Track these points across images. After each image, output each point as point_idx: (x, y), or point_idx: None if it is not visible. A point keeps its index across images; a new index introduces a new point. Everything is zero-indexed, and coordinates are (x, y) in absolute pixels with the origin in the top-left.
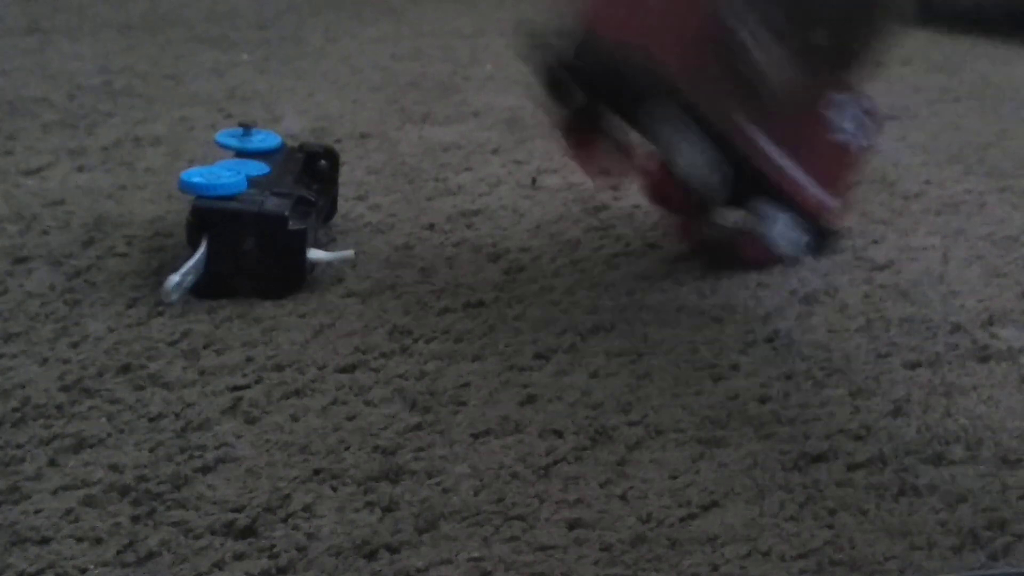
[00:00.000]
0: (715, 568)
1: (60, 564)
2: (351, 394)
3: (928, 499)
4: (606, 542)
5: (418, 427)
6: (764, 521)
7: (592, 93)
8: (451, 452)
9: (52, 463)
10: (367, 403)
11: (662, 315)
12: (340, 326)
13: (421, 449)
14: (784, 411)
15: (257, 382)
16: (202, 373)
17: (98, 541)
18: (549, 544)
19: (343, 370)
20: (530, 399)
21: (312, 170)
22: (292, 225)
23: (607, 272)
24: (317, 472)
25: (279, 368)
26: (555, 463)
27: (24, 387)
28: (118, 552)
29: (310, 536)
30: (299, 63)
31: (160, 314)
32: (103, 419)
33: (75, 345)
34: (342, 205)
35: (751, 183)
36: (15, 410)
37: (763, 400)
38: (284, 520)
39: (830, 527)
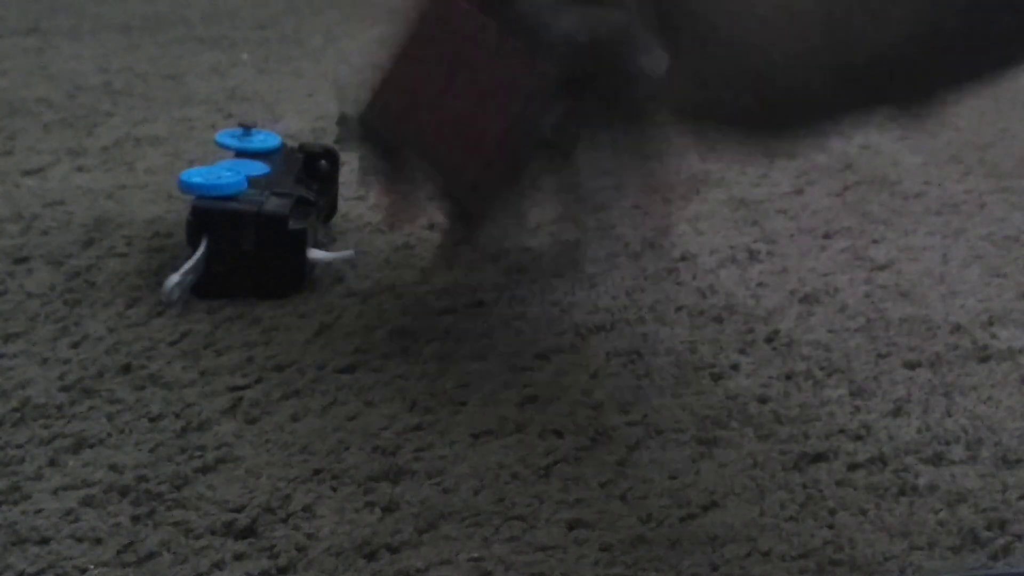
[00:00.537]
0: (715, 568)
1: (60, 564)
2: (351, 394)
3: (928, 499)
4: (606, 542)
5: (418, 427)
6: (764, 521)
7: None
8: (451, 452)
9: (52, 463)
10: (367, 403)
11: (662, 315)
12: (340, 326)
13: (421, 449)
14: (784, 411)
15: (257, 382)
16: (202, 373)
17: (98, 541)
18: (549, 544)
19: (343, 370)
20: (530, 399)
21: (312, 170)
22: (292, 225)
23: (607, 272)
24: (317, 472)
25: (279, 368)
26: (555, 463)
27: (24, 387)
28: (118, 552)
29: (310, 536)
30: (299, 63)
31: (160, 314)
32: (103, 419)
33: (75, 345)
34: (342, 205)
35: None
36: (15, 410)
37: (763, 400)
38: (284, 520)
39: (830, 527)
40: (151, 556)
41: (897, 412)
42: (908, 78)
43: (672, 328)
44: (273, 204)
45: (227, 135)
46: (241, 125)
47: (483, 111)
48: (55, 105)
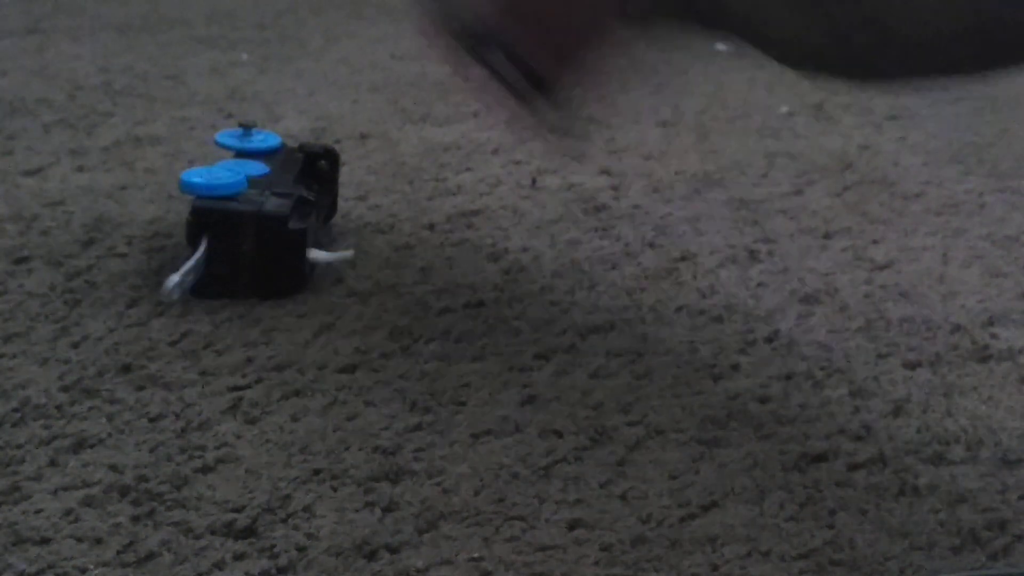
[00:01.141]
0: (715, 568)
1: (60, 564)
2: (351, 394)
3: (928, 499)
4: (606, 542)
5: (418, 427)
6: (764, 521)
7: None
8: (451, 452)
9: (52, 463)
10: (367, 403)
11: (662, 315)
12: (340, 326)
13: (421, 449)
14: (784, 411)
15: (257, 382)
16: (202, 373)
17: (98, 541)
18: (549, 544)
19: (343, 370)
20: (530, 399)
21: (312, 170)
22: (292, 225)
23: (607, 272)
24: (317, 472)
25: (279, 368)
26: (555, 463)
27: (24, 387)
28: (118, 552)
29: (310, 536)
30: (299, 63)
31: (160, 314)
32: (103, 419)
33: (75, 345)
34: (342, 205)
35: None
36: (15, 410)
37: (763, 400)
38: (284, 520)
39: (830, 527)
40: (151, 556)
41: (897, 412)
42: None
43: (672, 328)
44: (273, 204)
45: (227, 135)
46: (241, 125)
47: None
48: (55, 105)
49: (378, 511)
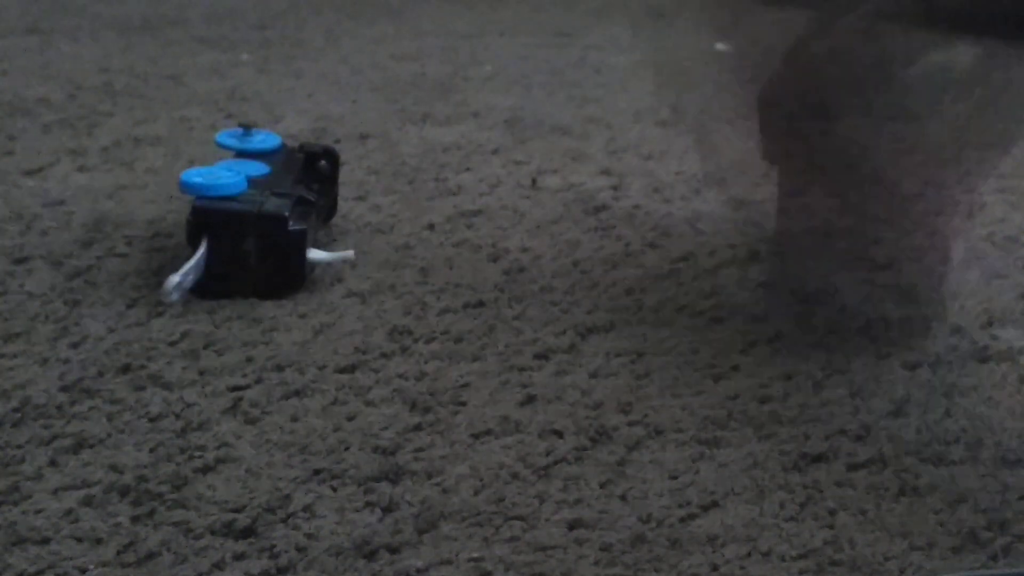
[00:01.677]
0: (715, 568)
1: (60, 564)
2: (351, 394)
3: (928, 499)
4: (606, 542)
5: (418, 427)
6: (764, 521)
7: None
8: (451, 452)
9: (52, 463)
10: (367, 403)
11: (662, 315)
12: (340, 326)
13: (421, 449)
14: (784, 411)
15: (257, 382)
16: (202, 373)
17: (98, 541)
18: (549, 544)
19: (343, 370)
20: (530, 399)
21: (312, 170)
22: (292, 225)
23: (607, 272)
24: (317, 472)
25: (279, 368)
26: (555, 463)
27: (24, 387)
28: (118, 552)
29: (310, 536)
30: (299, 63)
31: (160, 314)
32: (103, 419)
33: (75, 345)
34: (342, 205)
35: None
36: (15, 410)
37: (763, 400)
38: (284, 520)
39: (830, 527)
40: (151, 556)
41: (897, 412)
42: None
43: (672, 328)
44: (273, 204)
45: (227, 135)
46: (241, 125)
47: None
48: (55, 105)
49: (378, 511)
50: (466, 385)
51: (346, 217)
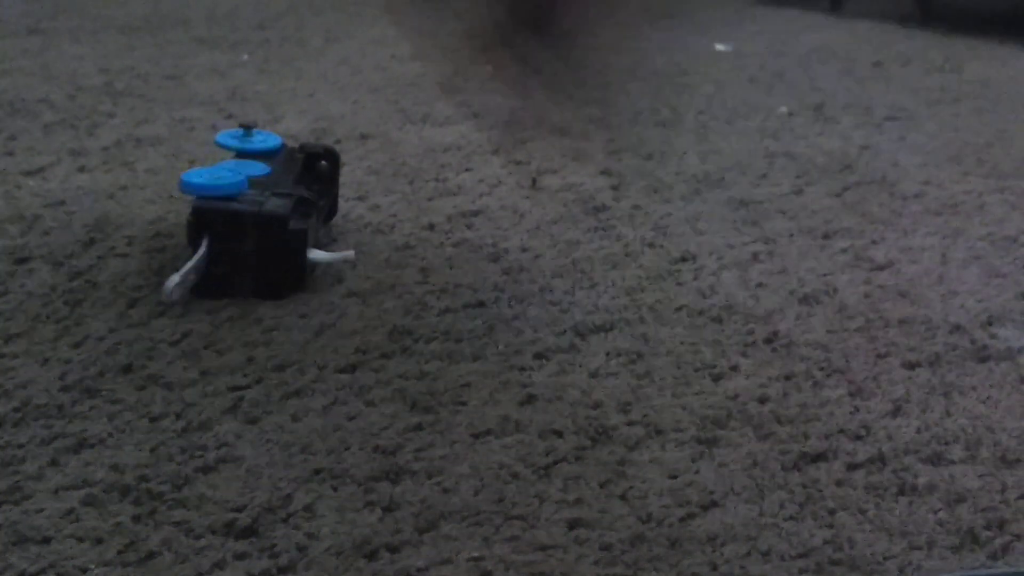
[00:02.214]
0: (715, 567)
1: (61, 564)
2: (351, 394)
3: (927, 499)
4: (606, 542)
5: (418, 427)
6: (764, 521)
7: None
8: (451, 452)
9: (53, 463)
10: (367, 403)
11: (662, 315)
12: (340, 326)
13: (421, 449)
14: (784, 411)
15: (257, 382)
16: (203, 373)
17: (99, 541)
18: (549, 544)
19: (343, 370)
20: (530, 399)
21: (312, 170)
22: (292, 225)
23: (607, 272)
24: (317, 472)
25: (279, 368)
26: (555, 463)
27: (25, 387)
28: (119, 552)
29: (310, 536)
30: (299, 63)
31: (161, 314)
32: (104, 419)
33: (76, 345)
34: (342, 205)
35: None
36: (16, 410)
37: (763, 400)
38: (285, 520)
39: (830, 527)
40: (152, 556)
41: (897, 412)
42: None
43: (672, 328)
44: (273, 204)
45: (227, 136)
46: (241, 126)
47: None
48: (56, 105)
49: (378, 511)
50: (466, 385)
51: (346, 217)
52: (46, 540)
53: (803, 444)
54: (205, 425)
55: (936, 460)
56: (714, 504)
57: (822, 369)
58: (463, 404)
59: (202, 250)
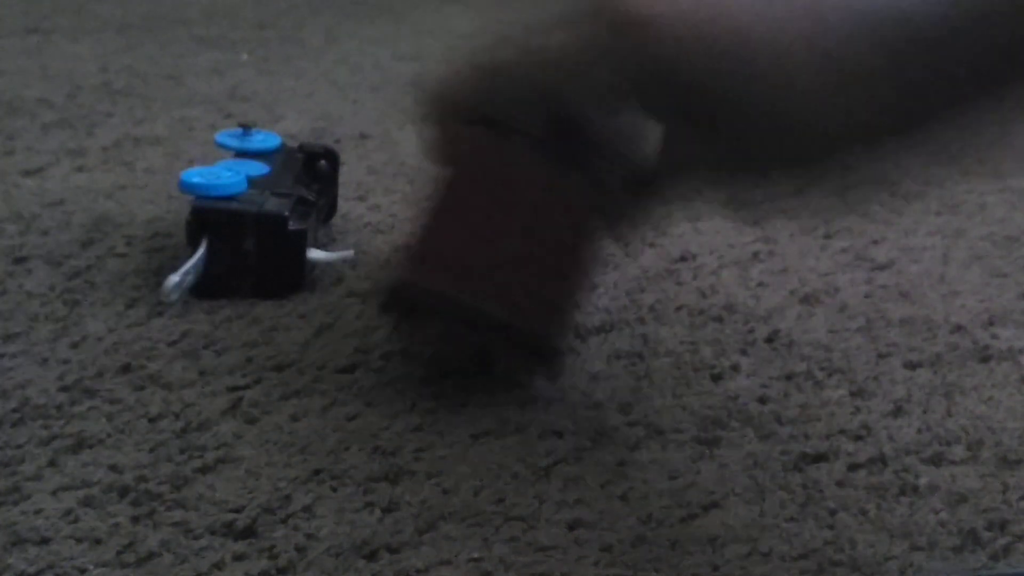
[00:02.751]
0: (715, 568)
1: (60, 564)
2: (351, 394)
3: (928, 499)
4: (606, 542)
5: (418, 427)
6: (764, 521)
7: None
8: (451, 452)
9: (52, 463)
10: (367, 403)
11: (662, 315)
12: (340, 326)
13: (421, 449)
14: (784, 411)
15: (257, 382)
16: (202, 373)
17: (98, 541)
18: (549, 544)
19: (343, 370)
20: (530, 399)
21: (312, 170)
22: (292, 225)
23: (607, 272)
24: (317, 472)
25: (279, 368)
26: (555, 463)
27: (24, 387)
28: (118, 552)
29: (310, 537)
30: (299, 63)
31: (160, 314)
32: (103, 419)
33: (75, 345)
34: (342, 205)
35: None
36: (14, 410)
37: (763, 400)
38: (284, 520)
39: (830, 527)
40: (151, 556)
41: (897, 412)
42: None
43: (672, 328)
44: (273, 204)
45: (227, 135)
46: (241, 125)
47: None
48: (55, 105)
49: (378, 511)
50: (466, 385)
51: (346, 217)
52: (45, 541)
53: (803, 444)
54: (204, 425)
55: (937, 461)
56: (715, 505)
57: (823, 369)
58: (463, 404)
59: (201, 250)
